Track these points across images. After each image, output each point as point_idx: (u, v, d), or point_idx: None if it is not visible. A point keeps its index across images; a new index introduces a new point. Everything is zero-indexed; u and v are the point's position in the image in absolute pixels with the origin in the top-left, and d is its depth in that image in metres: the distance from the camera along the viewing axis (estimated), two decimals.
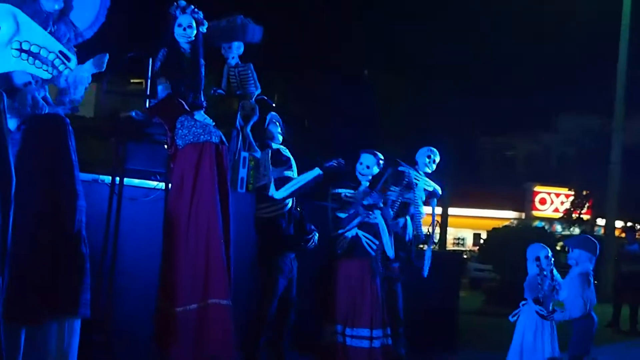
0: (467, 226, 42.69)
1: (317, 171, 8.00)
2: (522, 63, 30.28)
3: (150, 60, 7.87)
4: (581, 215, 35.43)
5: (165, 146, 7.10)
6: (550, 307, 8.40)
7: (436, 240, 10.16)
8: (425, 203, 9.03)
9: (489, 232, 23.65)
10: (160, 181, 7.55)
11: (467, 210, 40.90)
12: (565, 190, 39.49)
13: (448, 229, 37.30)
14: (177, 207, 6.82)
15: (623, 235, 21.43)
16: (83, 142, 6.05)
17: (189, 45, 7.13)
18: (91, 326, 5.83)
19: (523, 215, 42.90)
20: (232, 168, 7.63)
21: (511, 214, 41.85)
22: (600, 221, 30.39)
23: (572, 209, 35.75)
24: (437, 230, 9.84)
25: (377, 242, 8.17)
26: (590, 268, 8.33)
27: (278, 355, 8.01)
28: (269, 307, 7.78)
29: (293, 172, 8.21)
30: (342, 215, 8.24)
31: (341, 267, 8.14)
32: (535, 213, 43.19)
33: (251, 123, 8.21)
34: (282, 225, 8.03)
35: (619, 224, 26.33)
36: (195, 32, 7.12)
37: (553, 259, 8.48)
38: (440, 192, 9.08)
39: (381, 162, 8.43)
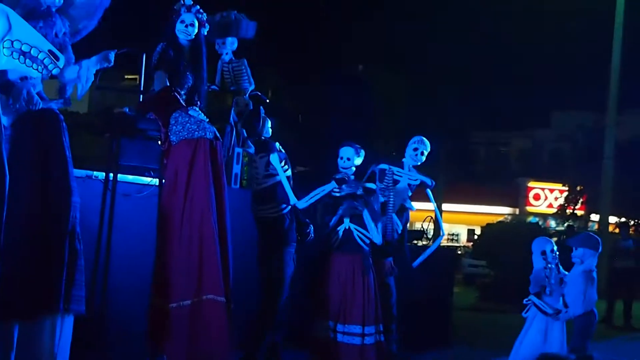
0: (461, 222, 42.73)
1: (333, 184, 8.13)
2: (516, 60, 30.34)
3: (144, 55, 7.87)
4: (575, 211, 35.48)
5: (159, 142, 7.09)
6: (560, 302, 8.46)
7: (430, 236, 10.14)
8: (418, 198, 9.02)
9: (483, 228, 23.71)
10: (154, 177, 7.55)
11: (461, 206, 40.94)
12: (559, 186, 39.59)
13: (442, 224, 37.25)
14: (171, 203, 6.81)
15: (617, 230, 21.48)
16: (77, 138, 6.05)
17: (188, 43, 7.14)
18: (85, 323, 5.81)
19: (517, 211, 42.98)
20: (225, 164, 7.63)
21: (505, 210, 41.96)
22: (594, 217, 30.43)
23: (566, 205, 35.79)
24: (431, 226, 9.82)
25: (369, 235, 8.15)
26: (594, 265, 8.43)
27: (274, 352, 8.02)
28: (279, 304, 7.94)
29: (289, 170, 8.26)
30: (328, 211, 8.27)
31: (333, 263, 8.12)
32: (529, 209, 43.27)
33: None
34: (286, 223, 8.15)
35: (612, 219, 26.38)
36: (196, 31, 7.14)
37: (558, 253, 8.56)
38: (430, 183, 9.04)
39: (360, 151, 8.40)
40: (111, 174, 7.20)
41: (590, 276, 8.33)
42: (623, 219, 26.76)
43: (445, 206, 34.59)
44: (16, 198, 4.96)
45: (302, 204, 8.09)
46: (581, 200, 35.26)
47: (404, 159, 9.00)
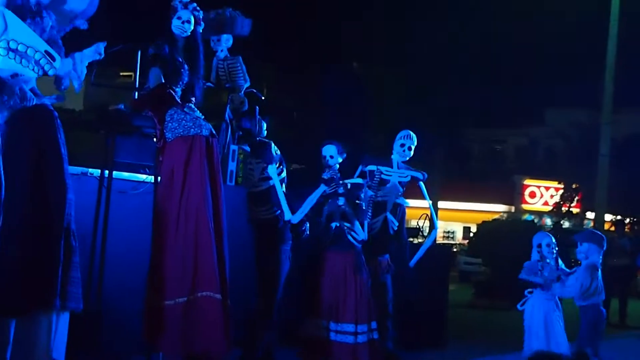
0: (457, 219, 42.74)
1: (322, 188, 8.11)
2: (511, 57, 30.35)
3: (140, 52, 7.86)
4: (571, 209, 35.51)
5: (155, 139, 7.08)
6: (556, 298, 8.60)
7: (426, 234, 10.12)
8: (411, 196, 9.02)
9: (478, 226, 23.71)
10: (149, 174, 7.54)
11: (456, 204, 40.94)
12: (554, 184, 39.62)
13: (438, 222, 37.27)
14: (167, 200, 6.80)
15: (613, 229, 21.48)
16: (72, 135, 6.03)
17: (184, 39, 7.14)
18: (81, 320, 5.80)
19: (513, 209, 43.00)
20: (221, 161, 7.61)
21: (501, 208, 41.96)
22: (590, 214, 30.45)
23: (561, 203, 35.80)
24: (427, 223, 9.81)
25: (361, 233, 8.14)
26: (599, 261, 8.54)
27: (267, 350, 8.01)
28: (275, 302, 7.98)
29: (284, 172, 8.26)
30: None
31: (324, 261, 8.11)
32: (524, 206, 43.30)
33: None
34: (280, 223, 8.16)
35: (608, 217, 26.40)
36: (192, 28, 7.13)
37: (557, 249, 8.63)
38: (422, 176, 9.01)
39: (343, 149, 8.37)
40: (106, 171, 7.19)
41: (594, 270, 8.44)
42: (619, 217, 26.79)
43: (441, 204, 34.62)
44: (10, 195, 4.95)
45: (297, 217, 8.08)
46: (577, 198, 35.28)
47: (392, 156, 8.97)
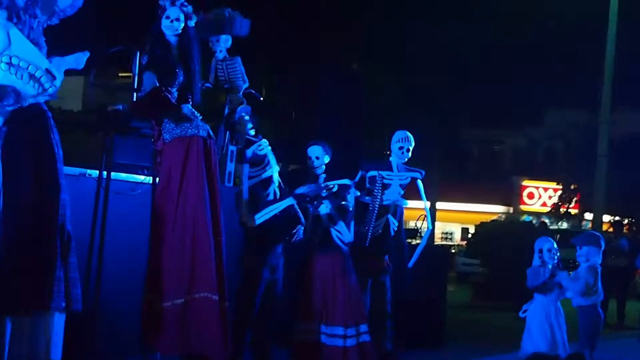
0: (455, 220, 42.77)
1: (289, 200, 7.83)
2: (509, 57, 30.32)
3: (138, 53, 7.84)
4: (569, 210, 35.49)
5: (152, 140, 7.07)
6: (558, 304, 8.70)
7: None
8: (408, 197, 9.02)
9: (476, 227, 23.71)
10: (147, 175, 7.53)
11: (454, 205, 40.95)
12: (553, 185, 39.58)
13: (436, 223, 37.32)
14: (165, 201, 6.80)
15: (611, 229, 21.49)
16: (70, 136, 6.03)
17: (175, 38, 7.03)
18: (78, 320, 5.80)
19: (511, 210, 43.02)
20: (219, 162, 7.59)
21: (499, 208, 41.97)
22: (588, 215, 30.44)
23: (560, 203, 35.79)
24: (425, 225, 9.77)
25: (347, 234, 8.09)
26: (598, 262, 8.65)
27: (263, 354, 7.92)
28: (254, 303, 7.69)
29: (272, 169, 7.98)
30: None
31: (313, 263, 8.06)
32: (523, 207, 43.33)
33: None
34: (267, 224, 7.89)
35: (606, 218, 26.39)
36: (182, 25, 7.04)
37: (558, 254, 8.70)
38: (420, 175, 8.99)
39: (329, 149, 8.28)
40: (104, 172, 7.19)
41: (594, 272, 8.56)
42: (617, 218, 26.79)
43: (439, 205, 34.65)
44: (5, 195, 4.95)
45: (257, 221, 7.66)
46: (575, 199, 35.27)
47: (390, 158, 8.96)
